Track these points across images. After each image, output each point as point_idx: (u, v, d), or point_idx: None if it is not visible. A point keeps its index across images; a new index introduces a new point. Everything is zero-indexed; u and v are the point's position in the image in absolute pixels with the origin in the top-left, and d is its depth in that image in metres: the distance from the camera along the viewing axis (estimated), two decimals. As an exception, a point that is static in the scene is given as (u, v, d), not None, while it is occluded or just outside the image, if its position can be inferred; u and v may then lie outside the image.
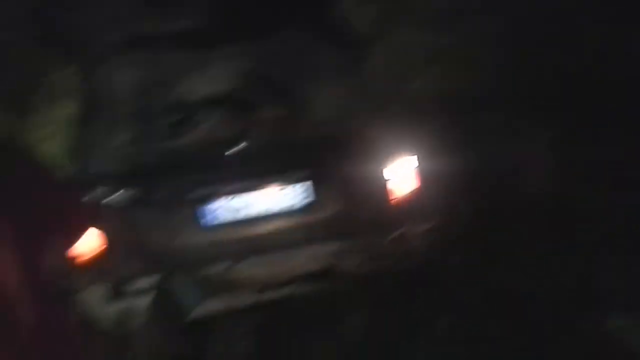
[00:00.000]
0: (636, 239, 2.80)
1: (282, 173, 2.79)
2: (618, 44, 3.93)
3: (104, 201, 2.66)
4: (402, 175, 2.86)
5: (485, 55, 5.03)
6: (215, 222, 2.75)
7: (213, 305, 2.77)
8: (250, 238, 2.78)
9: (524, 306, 2.74)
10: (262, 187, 2.77)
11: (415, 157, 2.91)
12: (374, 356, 2.67)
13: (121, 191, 2.69)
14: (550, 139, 3.90)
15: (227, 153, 2.81)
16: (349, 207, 2.81)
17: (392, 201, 2.83)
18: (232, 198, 2.75)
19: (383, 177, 2.83)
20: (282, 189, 2.79)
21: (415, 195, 2.87)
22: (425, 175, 2.93)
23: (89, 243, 2.65)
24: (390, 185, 2.84)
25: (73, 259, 2.65)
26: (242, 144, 2.82)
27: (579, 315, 2.48)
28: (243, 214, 2.77)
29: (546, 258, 3.02)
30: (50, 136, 5.32)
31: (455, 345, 2.61)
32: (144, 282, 2.69)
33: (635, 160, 3.37)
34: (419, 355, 2.61)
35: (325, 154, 2.82)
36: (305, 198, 2.81)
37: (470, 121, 4.38)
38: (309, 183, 2.81)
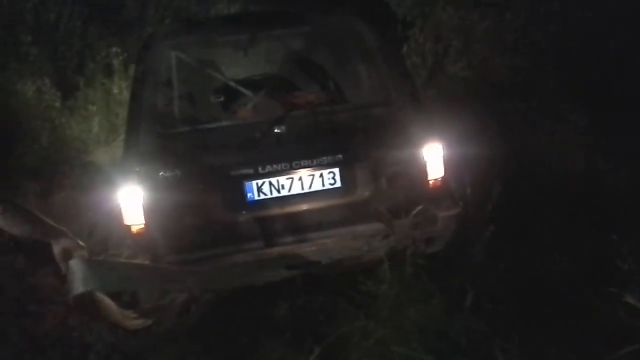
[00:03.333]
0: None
1: (321, 155, 2.94)
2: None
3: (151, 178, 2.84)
4: (435, 160, 2.99)
5: (524, 43, 5.06)
6: (257, 199, 2.93)
7: (249, 278, 2.93)
8: (289, 216, 2.95)
9: (546, 284, 2.87)
10: (302, 168, 2.93)
11: (449, 142, 3.03)
12: (404, 332, 2.81)
13: (171, 168, 2.88)
14: (585, 125, 3.97)
15: (270, 132, 2.95)
16: (383, 190, 2.96)
17: (424, 185, 2.97)
18: (273, 177, 2.92)
19: (416, 161, 2.96)
20: (320, 171, 2.95)
21: (446, 180, 3.00)
22: (458, 160, 3.05)
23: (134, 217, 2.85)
24: (422, 170, 2.97)
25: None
26: (284, 125, 2.97)
27: (599, 293, 2.59)
28: (283, 193, 2.94)
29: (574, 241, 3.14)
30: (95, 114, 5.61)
31: (479, 321, 2.74)
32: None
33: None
34: (447, 326, 2.75)
35: (362, 137, 2.97)
36: (341, 180, 2.96)
37: (505, 107, 4.46)
38: (346, 165, 2.95)
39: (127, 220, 2.88)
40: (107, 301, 2.52)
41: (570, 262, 2.98)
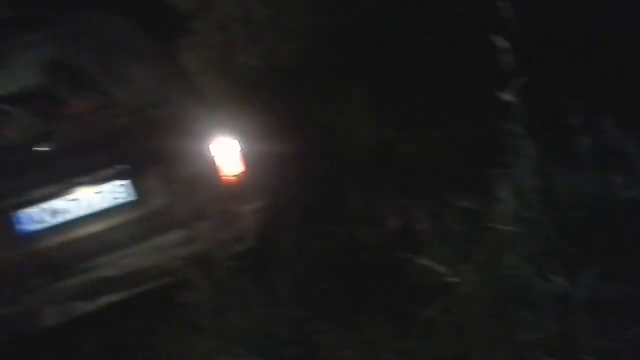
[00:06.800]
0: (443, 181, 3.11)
1: (104, 168, 2.66)
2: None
3: None
4: (228, 156, 2.85)
5: (307, 26, 5.16)
6: (32, 230, 2.56)
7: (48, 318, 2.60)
8: (78, 242, 2.63)
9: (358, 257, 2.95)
10: (83, 186, 2.62)
11: (241, 135, 2.93)
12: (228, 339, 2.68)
13: None
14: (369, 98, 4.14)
15: (36, 151, 2.60)
16: (180, 195, 2.77)
17: (223, 182, 2.83)
18: (50, 201, 2.58)
19: (210, 160, 2.81)
20: (105, 186, 2.66)
21: (243, 175, 2.90)
22: (252, 153, 2.97)
23: None
24: (218, 167, 2.83)
25: None
26: (54, 142, 2.63)
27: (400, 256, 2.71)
28: (63, 217, 2.61)
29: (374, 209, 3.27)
30: None
31: (301, 309, 2.72)
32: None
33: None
34: (270, 322, 2.68)
35: (146, 142, 2.73)
36: (128, 193, 2.71)
37: (296, 91, 4.51)
38: (131, 176, 2.71)
39: None
40: None
41: (376, 232, 3.09)
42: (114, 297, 2.70)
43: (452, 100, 3.53)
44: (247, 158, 2.92)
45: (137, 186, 2.72)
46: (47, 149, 2.59)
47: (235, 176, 2.86)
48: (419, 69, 3.77)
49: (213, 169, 2.81)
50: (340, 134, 3.79)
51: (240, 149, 2.87)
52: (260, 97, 4.21)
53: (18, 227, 2.54)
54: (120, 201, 2.69)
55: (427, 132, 3.53)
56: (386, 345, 2.44)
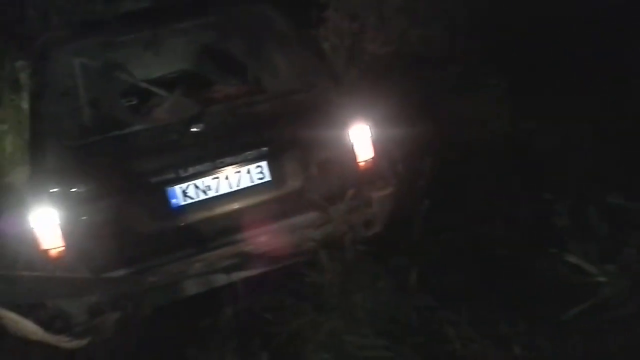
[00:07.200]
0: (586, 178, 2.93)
1: (246, 149, 2.79)
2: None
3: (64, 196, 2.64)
4: (360, 142, 2.90)
5: (438, 12, 5.07)
6: (183, 204, 2.77)
7: (190, 288, 2.81)
8: (220, 218, 2.80)
9: (487, 251, 2.88)
10: (227, 166, 2.78)
11: (376, 121, 2.95)
12: (354, 319, 2.74)
13: (84, 183, 2.67)
14: (504, 88, 3.99)
15: (188, 131, 2.78)
16: (314, 178, 2.85)
17: (355, 168, 2.89)
18: (198, 178, 2.76)
19: (344, 145, 2.87)
20: (246, 166, 2.81)
21: (377, 160, 2.93)
22: (383, 139, 2.99)
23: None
24: (351, 153, 2.88)
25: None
26: (203, 124, 2.81)
27: (539, 254, 2.59)
28: (208, 194, 2.79)
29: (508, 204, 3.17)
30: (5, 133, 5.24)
31: (426, 297, 2.72)
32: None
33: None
34: (396, 307, 2.70)
35: (286, 126, 2.84)
36: (270, 173, 2.83)
37: (426, 78, 4.45)
38: (273, 158, 2.83)
39: (44, 244, 2.65)
40: (12, 316, 2.36)
41: (508, 225, 2.99)
42: (249, 272, 2.86)
43: (600, 91, 3.30)
44: (378, 144, 2.94)
45: (276, 168, 2.85)
46: (197, 129, 2.77)
47: (366, 161, 2.90)
48: (563, 58, 3.56)
49: (346, 154, 2.87)
50: (474, 123, 3.69)
51: (371, 134, 2.91)
52: (391, 84, 4.21)
53: (170, 201, 2.76)
54: (259, 181, 2.83)
55: (571, 124, 3.32)
56: (517, 341, 2.37)
